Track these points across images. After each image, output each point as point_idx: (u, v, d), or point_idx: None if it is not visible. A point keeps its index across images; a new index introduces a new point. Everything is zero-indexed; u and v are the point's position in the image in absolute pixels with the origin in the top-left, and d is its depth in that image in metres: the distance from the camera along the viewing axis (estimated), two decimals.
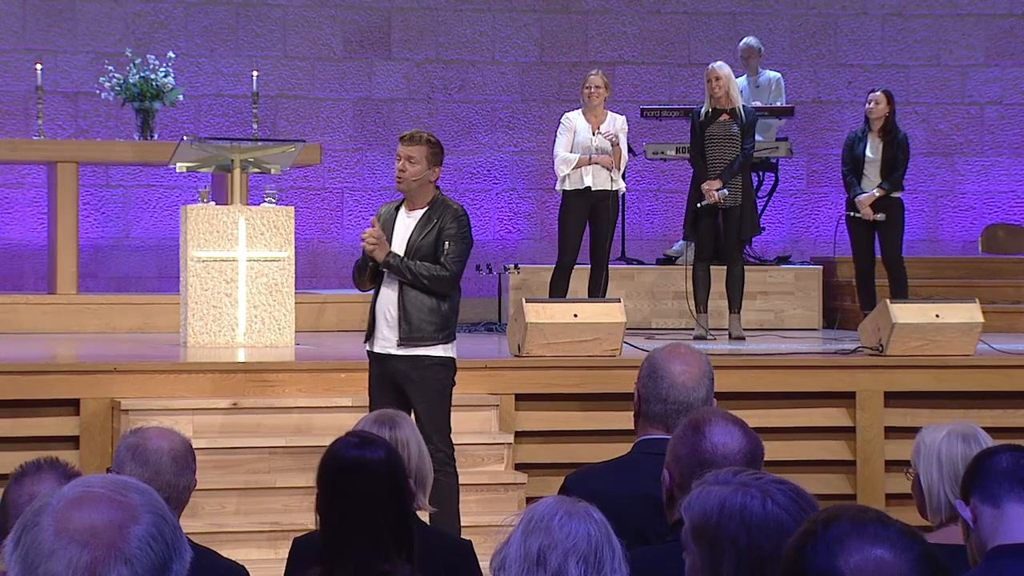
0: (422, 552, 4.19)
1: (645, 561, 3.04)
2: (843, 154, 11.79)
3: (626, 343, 9.41)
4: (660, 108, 13.51)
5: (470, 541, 4.50)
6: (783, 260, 13.38)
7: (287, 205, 10.58)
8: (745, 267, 11.41)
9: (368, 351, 7.36)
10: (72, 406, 8.39)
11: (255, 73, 12.42)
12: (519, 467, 8.62)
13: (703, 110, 11.14)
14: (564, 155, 10.85)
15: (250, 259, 10.09)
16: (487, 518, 7.75)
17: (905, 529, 2.10)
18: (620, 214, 11.59)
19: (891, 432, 9.19)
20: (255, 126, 12.33)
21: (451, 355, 7.29)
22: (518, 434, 8.74)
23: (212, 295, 10.01)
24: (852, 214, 11.61)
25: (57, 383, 8.44)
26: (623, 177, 11.04)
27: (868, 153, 11.56)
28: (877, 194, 11.47)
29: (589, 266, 10.98)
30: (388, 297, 7.23)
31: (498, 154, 14.26)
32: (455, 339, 7.33)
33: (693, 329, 11.22)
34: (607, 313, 9.38)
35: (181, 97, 12.52)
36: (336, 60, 14.02)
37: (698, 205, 11.01)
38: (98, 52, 13.29)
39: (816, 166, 14.56)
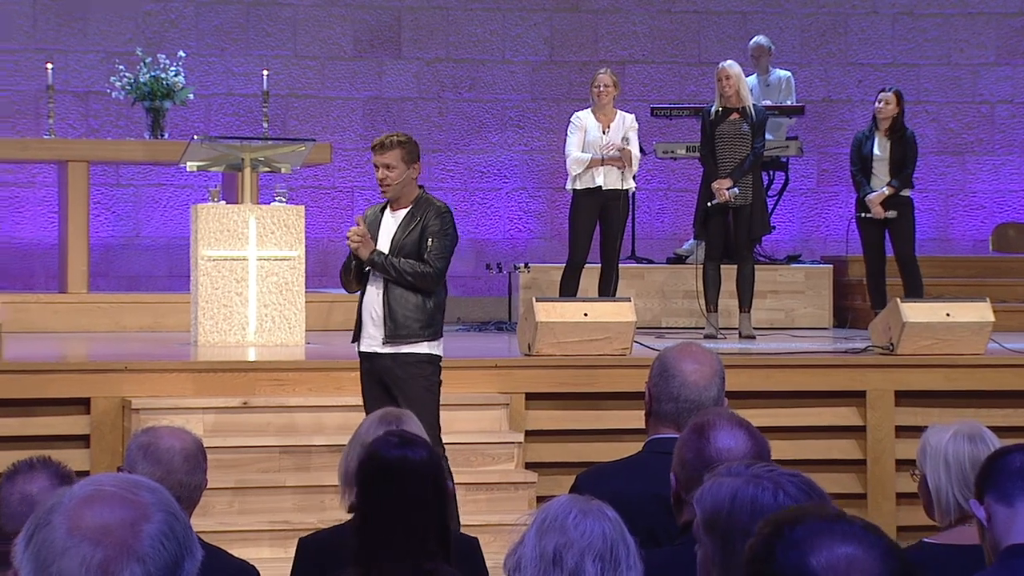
0: None
1: (653, 563, 3.04)
2: (851, 154, 11.78)
3: (636, 342, 9.40)
4: (670, 107, 13.50)
5: (476, 538, 4.49)
6: (793, 259, 13.36)
7: (297, 204, 10.59)
8: (755, 266, 11.40)
9: (358, 351, 7.37)
10: (83, 405, 8.40)
11: (265, 72, 12.43)
12: (529, 466, 8.62)
13: (713, 109, 11.13)
14: (577, 155, 10.85)
15: (260, 258, 10.10)
16: (497, 517, 7.76)
17: (869, 525, 2.10)
18: (630, 213, 11.58)
19: (902, 431, 9.18)
20: (265, 125, 12.34)
21: (437, 352, 7.29)
22: (528, 433, 8.74)
23: (223, 294, 10.02)
24: (862, 215, 11.60)
25: (68, 382, 8.45)
26: (633, 177, 11.04)
27: (876, 151, 11.55)
28: (887, 192, 11.46)
29: (599, 265, 10.98)
30: (373, 295, 7.25)
31: (508, 153, 14.26)
32: (442, 336, 7.33)
33: (703, 328, 11.21)
34: (617, 312, 9.38)
35: (192, 96, 12.53)
36: (346, 59, 14.03)
37: (708, 204, 11.00)
38: (109, 51, 13.30)
39: (826, 165, 14.55)
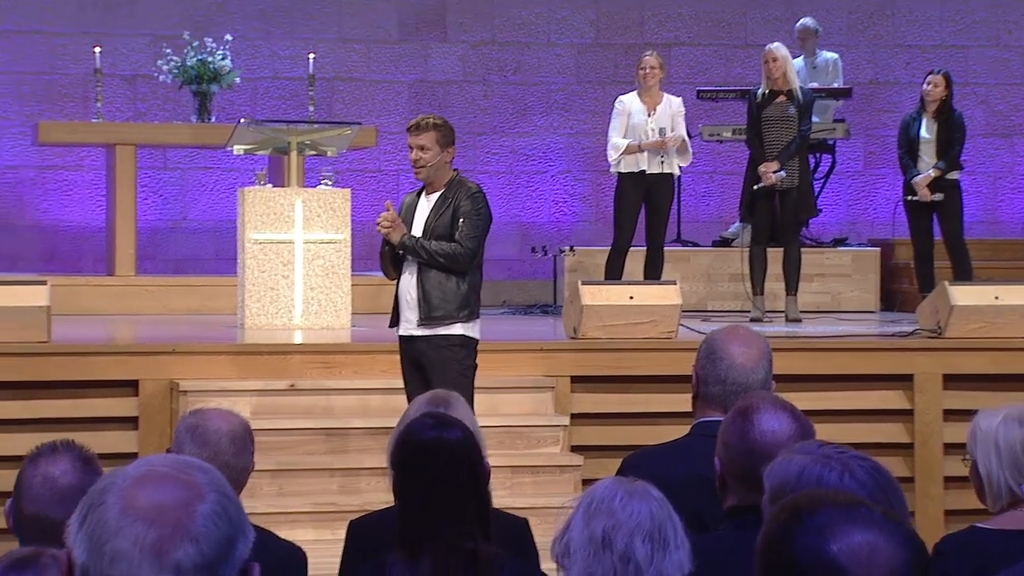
0: None
1: (698, 548, 3.04)
2: (899, 136, 11.72)
3: (682, 325, 9.38)
4: (716, 90, 13.46)
5: (526, 519, 4.49)
6: (840, 242, 13.31)
7: (343, 187, 10.61)
8: (802, 249, 11.36)
9: (398, 335, 7.38)
10: (131, 387, 8.45)
11: (311, 56, 12.45)
12: (575, 449, 8.62)
13: (760, 91, 11.08)
14: (615, 141, 10.84)
15: (307, 241, 10.13)
16: (543, 500, 7.76)
17: (888, 512, 2.08)
18: (676, 196, 11.56)
19: (950, 415, 9.14)
20: (311, 109, 12.36)
21: (473, 334, 7.26)
22: (574, 416, 8.74)
23: (269, 277, 10.06)
24: (909, 197, 11.54)
25: (116, 364, 8.51)
26: (687, 159, 11.04)
27: (923, 134, 11.48)
28: (933, 175, 11.39)
29: (645, 248, 10.96)
30: (408, 279, 7.26)
31: (553, 136, 14.25)
32: (478, 318, 7.31)
33: (749, 311, 11.18)
34: (663, 295, 9.36)
35: (238, 80, 12.57)
36: (392, 43, 14.03)
37: (754, 187, 10.96)
38: (156, 35, 13.35)
39: (873, 148, 14.47)
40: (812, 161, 12.46)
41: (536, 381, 8.80)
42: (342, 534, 4.53)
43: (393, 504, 3.88)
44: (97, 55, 12.16)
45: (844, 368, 9.21)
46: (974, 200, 13.87)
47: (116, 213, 11.73)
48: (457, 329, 7.20)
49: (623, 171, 10.87)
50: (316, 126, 11.04)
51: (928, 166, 11.45)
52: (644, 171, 10.79)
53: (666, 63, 11.21)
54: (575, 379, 8.90)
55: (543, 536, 4.21)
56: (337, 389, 8.61)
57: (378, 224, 7.25)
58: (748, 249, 11.20)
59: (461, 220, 7.16)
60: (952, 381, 9.22)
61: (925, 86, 11.56)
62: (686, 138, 10.87)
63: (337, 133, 10.75)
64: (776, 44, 11.23)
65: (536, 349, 9.02)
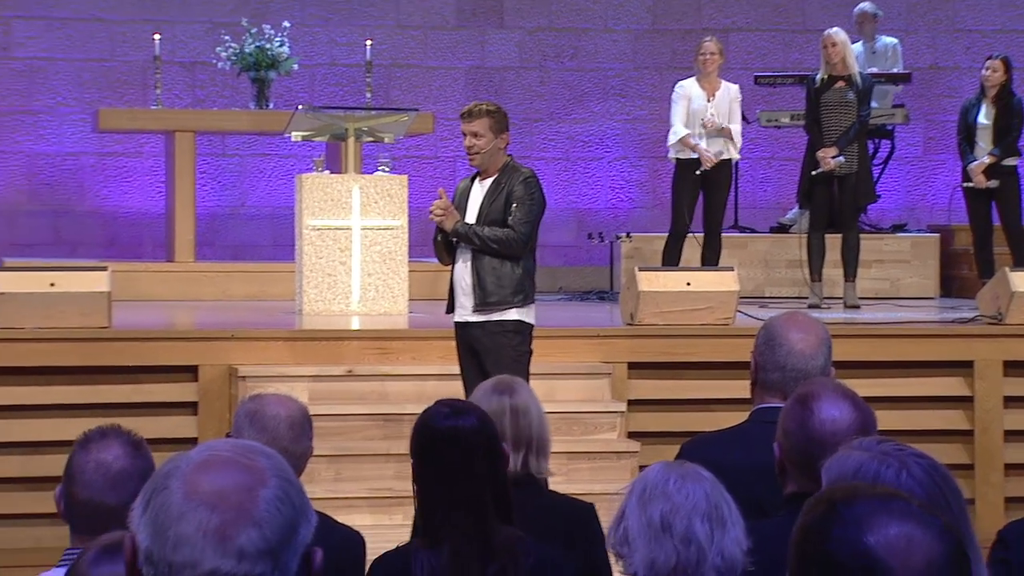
0: (544, 517, 4.20)
1: (759, 534, 3.04)
2: (958, 122, 11.63)
3: (739, 312, 9.36)
4: (774, 75, 13.39)
5: (592, 505, 4.49)
6: (899, 228, 13.22)
7: (400, 174, 10.63)
8: (860, 235, 11.30)
9: (454, 321, 7.39)
10: (191, 372, 8.51)
11: (368, 42, 12.47)
12: (632, 435, 8.61)
13: (818, 77, 11.02)
14: (677, 127, 10.81)
15: (364, 227, 10.16)
16: (600, 486, 7.76)
17: (925, 505, 2.05)
18: (733, 182, 11.52)
19: (1010, 402, 9.08)
20: (368, 95, 12.39)
21: (527, 319, 7.25)
22: (631, 402, 8.73)
23: (327, 263, 10.10)
24: (966, 185, 11.45)
25: (176, 350, 8.56)
26: (738, 150, 11.01)
27: (981, 120, 11.39)
28: (988, 161, 11.30)
29: (702, 235, 10.93)
30: (462, 265, 7.26)
31: (610, 122, 14.22)
32: (533, 303, 7.30)
33: (807, 298, 11.13)
34: (720, 282, 9.33)
35: (296, 66, 12.62)
36: (449, 29, 14.04)
37: (813, 173, 10.91)
38: (214, 22, 13.41)
39: (933, 133, 14.36)
40: (871, 147, 12.38)
41: (593, 367, 8.80)
42: (399, 519, 4.56)
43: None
44: (156, 42, 12.23)
45: (903, 355, 9.16)
46: None
47: (175, 199, 11.80)
48: (512, 314, 7.20)
49: (681, 157, 10.84)
50: (373, 112, 11.06)
51: (984, 152, 11.36)
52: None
53: (724, 49, 11.17)
54: (632, 365, 8.89)
55: (601, 521, 4.22)
56: (394, 375, 8.63)
57: (431, 212, 7.25)
58: (806, 235, 11.15)
59: (514, 205, 7.16)
60: (1012, 368, 9.16)
61: (984, 71, 11.46)
62: (733, 128, 10.80)
63: (394, 119, 10.77)
64: (835, 29, 11.16)
65: (593, 335, 9.01)
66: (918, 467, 2.47)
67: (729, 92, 10.88)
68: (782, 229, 12.89)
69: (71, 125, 13.37)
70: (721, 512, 3.02)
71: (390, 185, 10.26)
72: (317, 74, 13.81)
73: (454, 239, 7.26)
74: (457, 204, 7.29)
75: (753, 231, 13.01)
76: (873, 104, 11.60)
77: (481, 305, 7.18)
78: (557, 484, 4.47)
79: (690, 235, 10.93)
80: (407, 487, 7.60)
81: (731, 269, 9.62)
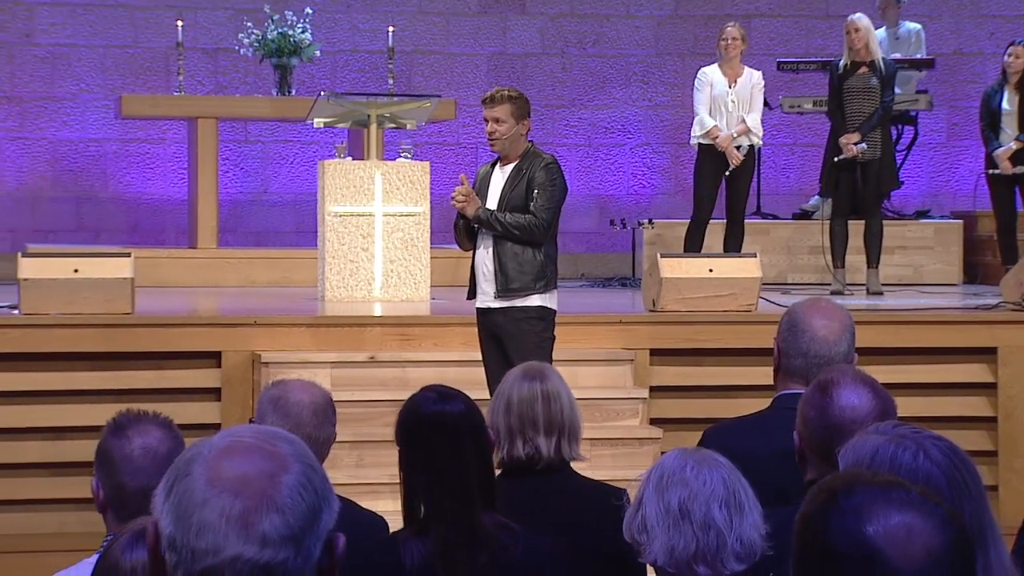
0: (576, 502, 4.21)
1: (781, 521, 3.03)
2: (980, 109, 11.59)
3: (762, 298, 9.34)
4: (797, 61, 13.36)
5: (624, 490, 4.49)
6: (922, 215, 13.18)
7: (422, 160, 10.63)
8: (883, 222, 11.26)
9: (476, 308, 7.39)
10: (214, 358, 8.53)
11: (391, 29, 12.47)
12: (654, 422, 8.61)
13: (841, 63, 10.99)
14: (702, 116, 10.78)
15: (386, 214, 10.17)
16: (622, 472, 7.75)
17: (927, 493, 2.04)
18: (756, 168, 11.49)
19: None
20: (391, 81, 12.39)
21: (550, 305, 7.24)
22: (652, 389, 8.73)
23: (349, 249, 10.11)
24: (991, 170, 11.41)
25: (199, 336, 8.59)
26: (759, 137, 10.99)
27: (1004, 106, 11.34)
28: (1014, 147, 11.25)
29: (724, 221, 10.92)
30: (484, 252, 7.25)
31: (632, 109, 14.20)
32: (555, 289, 7.29)
33: (829, 284, 11.11)
34: (743, 268, 9.32)
35: (318, 53, 12.62)
36: (471, 15, 14.03)
37: (835, 159, 10.88)
38: (237, 8, 13.42)
39: (956, 119, 14.31)
40: (894, 133, 12.34)
41: (615, 354, 8.80)
42: None
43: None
44: (179, 28, 12.25)
45: (927, 341, 9.13)
46: None
47: (198, 186, 11.82)
48: (534, 300, 7.19)
49: (703, 143, 10.82)
50: (395, 99, 11.06)
51: (1009, 138, 11.31)
52: None
53: (747, 35, 11.14)
54: (654, 352, 8.89)
55: None
56: (416, 361, 8.64)
57: (452, 198, 7.24)
58: (828, 221, 11.12)
59: (535, 191, 7.15)
60: None
61: (1006, 57, 11.41)
62: (756, 121, 10.77)
63: (416, 106, 10.77)
64: (858, 15, 11.12)
65: (615, 322, 9.01)
66: (936, 449, 2.46)
67: (751, 78, 10.85)
68: (805, 215, 12.87)
69: (94, 111, 13.40)
70: (739, 497, 3.02)
71: (412, 171, 10.26)
72: (339, 60, 13.81)
73: (475, 225, 7.25)
74: (478, 190, 7.29)
75: (775, 217, 12.99)
76: (896, 90, 11.56)
77: (503, 291, 7.18)
78: (579, 470, 4.46)
79: (712, 221, 10.92)
80: None
81: (753, 255, 9.60)
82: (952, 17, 14.39)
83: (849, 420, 3.31)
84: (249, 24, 12.58)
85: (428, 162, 10.56)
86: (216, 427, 7.98)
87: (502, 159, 7.31)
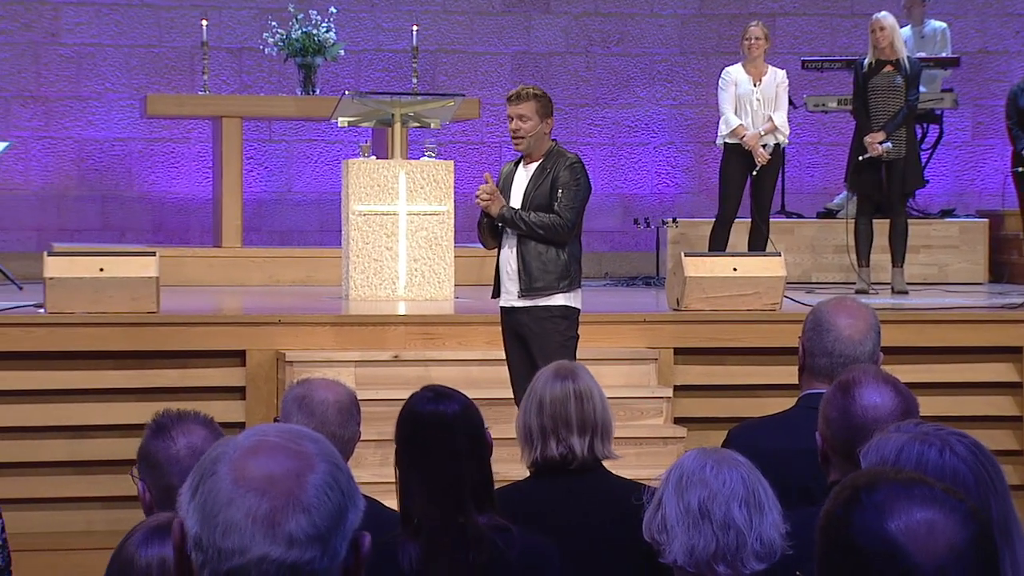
0: (609, 501, 4.20)
1: (804, 523, 3.03)
2: (1006, 107, 11.54)
3: (786, 297, 9.33)
4: (821, 60, 13.33)
5: (645, 487, 4.48)
6: (947, 213, 13.14)
7: (446, 159, 10.64)
8: (908, 220, 11.23)
9: (500, 307, 7.39)
10: (238, 357, 8.55)
11: (415, 27, 12.48)
12: (678, 421, 8.60)
13: (866, 61, 10.96)
14: (728, 115, 10.76)
15: (410, 213, 10.17)
16: (646, 471, 7.70)
17: (949, 489, 2.04)
18: (781, 167, 11.47)
19: None
20: (415, 80, 12.40)
21: (574, 304, 7.23)
22: (677, 388, 8.72)
23: (373, 248, 10.12)
24: (1018, 169, 11.36)
25: (223, 335, 8.60)
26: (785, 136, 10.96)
27: None
28: None
29: (748, 220, 10.90)
30: (508, 251, 7.24)
31: (656, 107, 14.19)
32: (579, 288, 7.29)
33: (854, 283, 11.08)
34: (767, 267, 9.31)
35: (342, 52, 12.64)
36: (495, 14, 14.03)
37: (860, 158, 10.85)
38: (261, 8, 13.45)
39: (982, 118, 14.26)
40: (919, 131, 12.31)
41: (639, 353, 8.79)
42: None
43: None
44: (204, 28, 12.28)
45: (952, 340, 9.11)
46: None
47: (222, 185, 11.84)
48: (558, 300, 7.19)
49: (729, 142, 10.81)
50: (419, 98, 11.07)
51: None
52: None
53: (771, 33, 11.12)
54: (678, 351, 8.88)
55: None
56: (440, 360, 8.65)
57: (477, 197, 7.24)
58: (853, 220, 11.10)
59: (560, 191, 7.14)
60: None
61: None
62: (777, 116, 10.74)
63: (440, 105, 10.78)
64: (883, 13, 11.09)
65: (639, 321, 9.00)
66: (961, 445, 2.45)
67: (776, 77, 10.83)
68: (829, 214, 12.84)
69: (119, 111, 13.44)
70: (759, 497, 3.02)
71: (436, 170, 10.27)
72: (363, 59, 13.83)
73: (499, 224, 7.25)
74: (501, 188, 7.29)
75: (800, 216, 12.96)
76: (921, 89, 11.53)
77: (527, 291, 7.18)
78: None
79: (736, 220, 10.90)
80: None
81: (778, 254, 9.59)
82: (977, 15, 14.35)
83: (872, 420, 3.30)
84: (274, 23, 12.61)
85: (452, 161, 10.57)
86: (240, 426, 8.00)
87: (525, 157, 7.30)
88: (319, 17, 12.51)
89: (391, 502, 4.69)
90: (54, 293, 8.50)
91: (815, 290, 11.20)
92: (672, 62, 14.19)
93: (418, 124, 10.76)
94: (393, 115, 10.50)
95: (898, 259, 11.06)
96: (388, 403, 8.32)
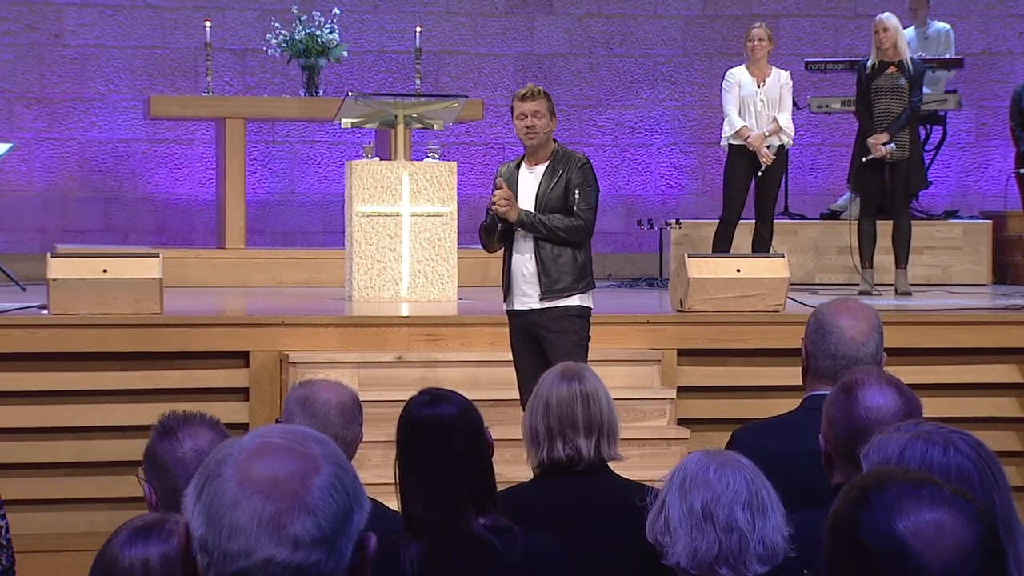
0: (615, 502, 4.20)
1: (810, 525, 3.03)
2: (1010, 108, 11.54)
3: (789, 298, 9.32)
4: (825, 61, 13.33)
5: (649, 488, 4.48)
6: (950, 215, 13.14)
7: (450, 160, 10.64)
8: (912, 222, 11.23)
9: (507, 310, 7.37)
10: (242, 358, 8.55)
11: (418, 29, 12.49)
12: (681, 422, 8.60)
13: (869, 62, 10.96)
14: (732, 117, 10.75)
15: (413, 214, 10.18)
16: (649, 473, 7.71)
17: (958, 490, 2.04)
18: (786, 168, 11.47)
19: None
20: (418, 82, 12.40)
21: (588, 304, 7.25)
22: (680, 389, 8.72)
23: (376, 250, 10.12)
24: (1022, 170, 11.36)
25: (227, 336, 8.60)
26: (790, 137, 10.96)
27: None
28: None
29: (752, 221, 10.90)
30: (523, 254, 7.22)
31: (659, 109, 14.19)
32: (593, 287, 7.31)
33: (858, 285, 11.08)
34: (771, 268, 9.30)
35: (346, 53, 12.64)
36: (498, 15, 14.03)
37: (864, 159, 10.85)
38: (265, 9, 13.46)
39: (985, 119, 14.26)
40: (922, 133, 12.31)
41: (642, 354, 8.79)
42: None
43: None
44: (207, 29, 12.28)
45: (955, 342, 9.10)
46: None
47: (226, 186, 11.85)
48: (575, 300, 7.20)
49: (733, 143, 10.80)
50: (423, 99, 11.07)
51: None
52: None
53: (774, 35, 11.12)
54: (681, 352, 8.88)
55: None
56: (443, 361, 8.65)
57: (494, 203, 7.17)
58: (857, 222, 11.09)
59: (576, 193, 7.14)
60: None
61: None
62: (781, 117, 10.74)
63: (443, 106, 10.78)
64: (887, 14, 11.09)
65: (642, 322, 9.00)
66: (964, 443, 2.46)
67: (779, 79, 10.83)
68: (832, 215, 12.84)
69: (122, 112, 13.45)
70: (762, 499, 3.02)
71: (439, 172, 10.27)
72: (367, 61, 13.83)
73: (517, 228, 7.21)
74: None
75: (803, 218, 12.96)
76: (925, 90, 11.53)
77: (548, 293, 7.16)
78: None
79: (740, 222, 10.90)
80: None
81: (781, 256, 9.58)
82: (981, 17, 14.34)
83: (875, 421, 3.29)
84: (277, 25, 12.61)
85: (455, 162, 10.57)
86: (244, 427, 8.00)
87: (528, 158, 7.29)
88: (322, 18, 12.51)
89: (394, 503, 4.69)
90: (58, 294, 8.51)
91: (819, 291, 11.20)
92: (675, 63, 14.19)
93: (421, 125, 10.77)
94: (396, 116, 10.50)
95: (901, 260, 11.06)
96: (391, 404, 8.32)
